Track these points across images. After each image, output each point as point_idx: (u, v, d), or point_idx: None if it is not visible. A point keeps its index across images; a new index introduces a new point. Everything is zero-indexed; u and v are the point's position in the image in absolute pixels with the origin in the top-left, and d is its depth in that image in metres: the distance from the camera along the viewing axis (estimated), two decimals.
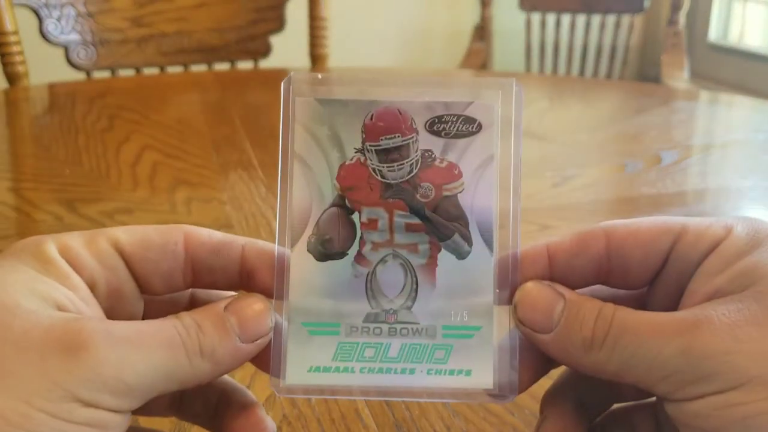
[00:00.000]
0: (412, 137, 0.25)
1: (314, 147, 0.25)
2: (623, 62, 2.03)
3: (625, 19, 2.00)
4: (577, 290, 0.26)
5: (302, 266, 0.25)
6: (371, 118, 0.25)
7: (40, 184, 0.63)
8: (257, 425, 0.26)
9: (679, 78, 1.74)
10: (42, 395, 0.20)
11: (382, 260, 0.25)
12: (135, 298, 0.26)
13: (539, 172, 0.66)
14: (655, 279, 0.26)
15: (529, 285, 0.25)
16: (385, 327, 0.25)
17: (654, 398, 0.27)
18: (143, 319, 0.26)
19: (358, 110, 0.25)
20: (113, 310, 0.25)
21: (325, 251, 0.25)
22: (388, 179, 0.25)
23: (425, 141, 0.25)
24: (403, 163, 0.25)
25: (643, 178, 0.64)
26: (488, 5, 2.12)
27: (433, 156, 0.25)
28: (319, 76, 0.26)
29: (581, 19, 2.03)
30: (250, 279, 0.26)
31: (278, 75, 1.10)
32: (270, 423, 0.26)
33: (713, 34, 2.60)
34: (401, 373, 0.25)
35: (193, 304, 0.27)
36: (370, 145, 0.25)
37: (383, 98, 0.25)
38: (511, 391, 0.25)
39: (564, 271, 0.26)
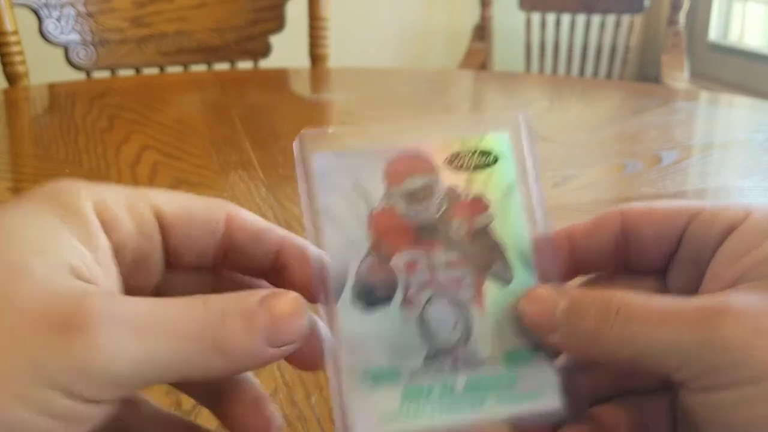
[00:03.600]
0: (435, 176, 0.26)
1: (339, 200, 0.25)
2: (623, 62, 2.03)
3: (625, 19, 2.00)
4: (599, 275, 0.26)
5: (351, 319, 0.25)
6: (391, 164, 0.25)
7: (40, 184, 0.63)
8: (267, 420, 0.25)
9: (679, 78, 1.74)
10: (17, 377, 0.18)
11: (429, 301, 0.25)
12: (159, 269, 0.24)
13: (540, 172, 0.66)
14: (672, 260, 0.26)
15: (532, 289, 0.25)
16: (446, 365, 0.25)
17: (671, 388, 0.26)
18: (162, 287, 0.25)
19: (377, 157, 0.25)
20: (133, 276, 0.23)
21: (370, 301, 0.25)
22: (419, 221, 0.25)
23: (447, 177, 0.26)
24: (431, 202, 0.25)
25: (643, 178, 0.64)
26: (488, 5, 2.12)
27: (458, 192, 0.26)
28: (330, 130, 0.26)
29: (581, 19, 2.03)
30: (281, 272, 0.25)
31: (278, 75, 1.10)
32: (279, 419, 0.25)
33: (713, 33, 2.60)
34: (471, 406, 0.25)
35: (217, 277, 0.26)
36: (394, 190, 0.25)
37: (399, 142, 0.26)
38: (579, 408, 0.25)
39: (583, 251, 0.26)
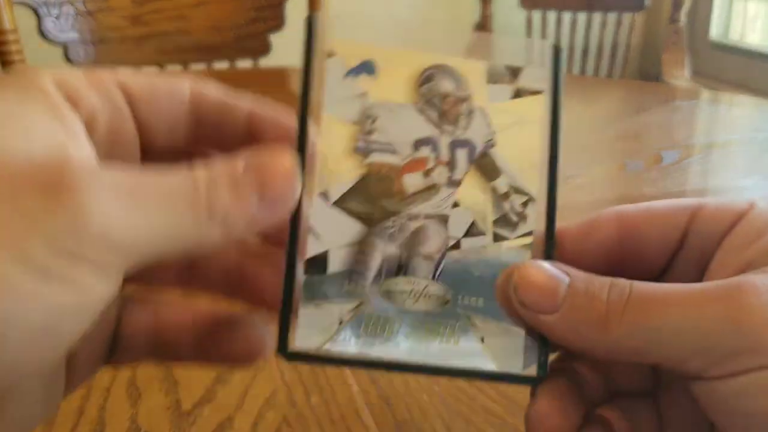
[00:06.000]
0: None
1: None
2: (624, 61, 2.03)
3: (626, 18, 2.00)
4: None
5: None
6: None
7: None
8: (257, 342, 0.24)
9: (680, 76, 1.74)
10: (16, 238, 0.16)
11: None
12: (135, 145, 0.23)
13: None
14: (673, 261, 0.24)
15: (529, 263, 0.23)
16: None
17: (653, 390, 0.26)
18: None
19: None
20: (110, 154, 0.22)
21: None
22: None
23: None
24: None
25: (643, 178, 0.64)
26: (488, 3, 2.12)
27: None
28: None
29: (582, 17, 2.03)
30: (254, 143, 0.23)
31: (278, 74, 1.10)
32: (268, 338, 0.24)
33: (714, 32, 2.59)
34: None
35: (193, 156, 0.25)
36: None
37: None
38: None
39: (572, 256, 0.24)
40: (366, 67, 0.24)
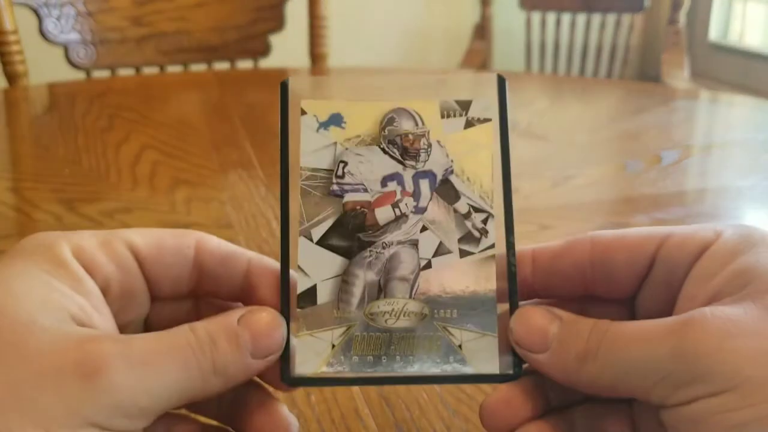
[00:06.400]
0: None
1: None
2: (623, 61, 2.03)
3: (626, 19, 2.00)
4: (559, 301, 0.26)
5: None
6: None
7: (40, 183, 0.63)
8: (280, 423, 0.25)
9: (679, 77, 1.74)
10: (59, 421, 0.20)
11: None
12: (144, 300, 0.26)
13: (539, 172, 0.66)
14: (642, 285, 0.26)
15: (526, 308, 0.25)
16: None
17: (628, 401, 0.27)
18: (148, 319, 0.27)
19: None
20: (123, 311, 0.25)
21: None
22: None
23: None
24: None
25: (643, 178, 0.64)
26: (488, 4, 2.12)
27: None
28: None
29: (581, 18, 2.03)
30: (252, 292, 0.26)
31: (278, 74, 1.10)
32: (293, 420, 0.26)
33: (713, 33, 2.59)
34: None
35: (196, 305, 0.27)
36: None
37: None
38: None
39: (546, 274, 0.26)
40: (335, 120, 0.27)
